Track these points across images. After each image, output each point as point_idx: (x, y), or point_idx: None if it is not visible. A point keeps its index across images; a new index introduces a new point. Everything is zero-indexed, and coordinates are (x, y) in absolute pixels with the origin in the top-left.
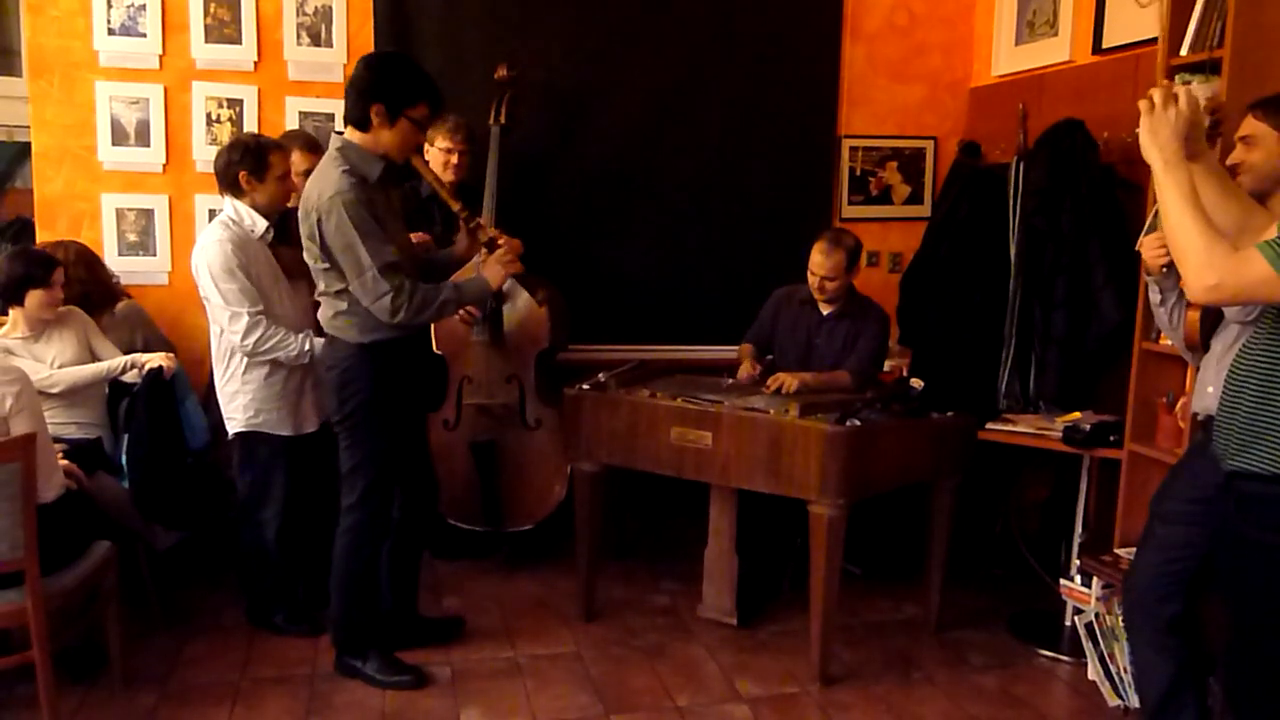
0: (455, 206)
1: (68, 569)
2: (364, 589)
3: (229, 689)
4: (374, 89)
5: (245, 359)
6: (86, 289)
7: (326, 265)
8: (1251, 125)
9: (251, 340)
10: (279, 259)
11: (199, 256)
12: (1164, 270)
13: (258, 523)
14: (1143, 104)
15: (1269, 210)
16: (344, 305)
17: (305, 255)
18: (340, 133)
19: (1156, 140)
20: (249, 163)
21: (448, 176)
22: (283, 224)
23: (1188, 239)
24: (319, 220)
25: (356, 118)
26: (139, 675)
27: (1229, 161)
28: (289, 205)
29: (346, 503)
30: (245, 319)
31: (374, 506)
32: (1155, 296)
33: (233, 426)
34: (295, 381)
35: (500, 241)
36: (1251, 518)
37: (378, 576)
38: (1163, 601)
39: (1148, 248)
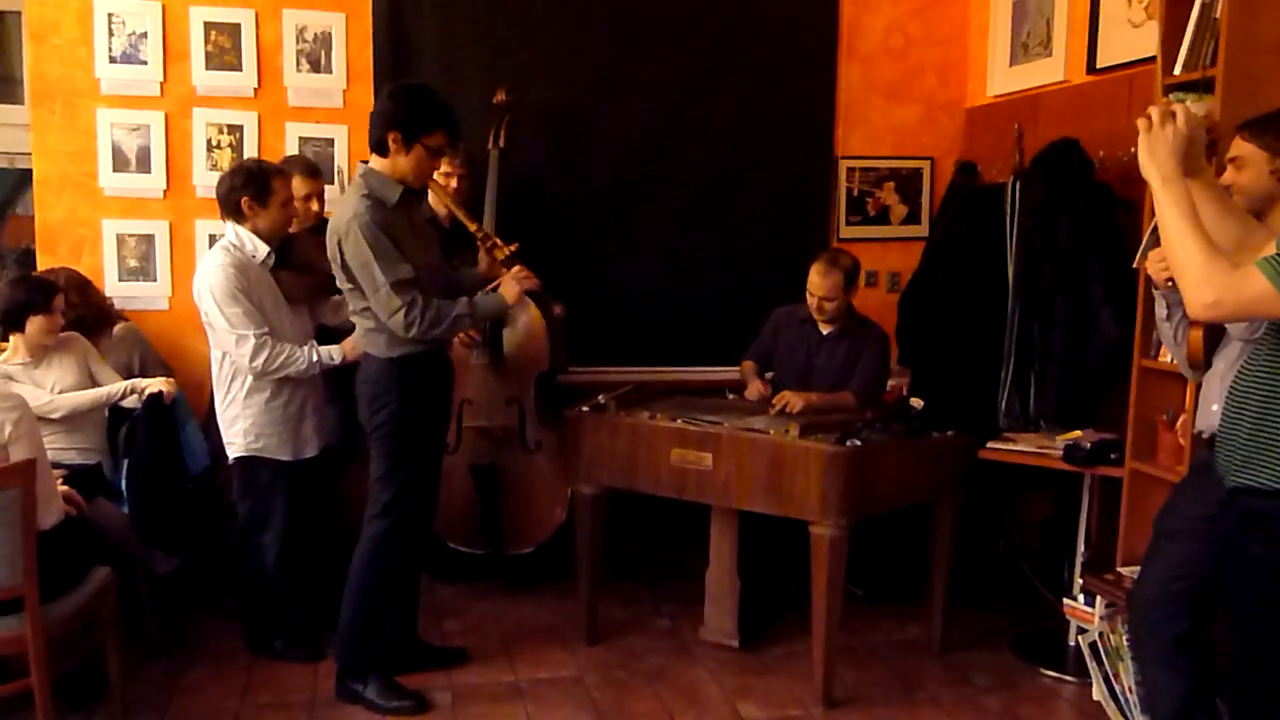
0: (472, 227)
1: (67, 595)
2: (377, 604)
3: (229, 715)
4: (391, 117)
5: (246, 383)
6: (80, 313)
7: (351, 285)
8: (1240, 147)
9: (260, 361)
10: (280, 284)
11: (201, 281)
12: (1170, 285)
13: (258, 547)
14: (1141, 122)
15: (1268, 228)
16: (371, 323)
17: (336, 278)
18: (365, 162)
19: (1155, 158)
20: (251, 188)
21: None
22: (284, 249)
23: (1186, 256)
24: (339, 242)
25: (376, 144)
26: (138, 702)
27: (1220, 183)
28: (290, 231)
29: (371, 512)
30: (252, 341)
31: (398, 515)
32: (1161, 311)
33: (233, 451)
34: (296, 406)
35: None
36: (1254, 533)
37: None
38: (1169, 620)
39: (1153, 262)
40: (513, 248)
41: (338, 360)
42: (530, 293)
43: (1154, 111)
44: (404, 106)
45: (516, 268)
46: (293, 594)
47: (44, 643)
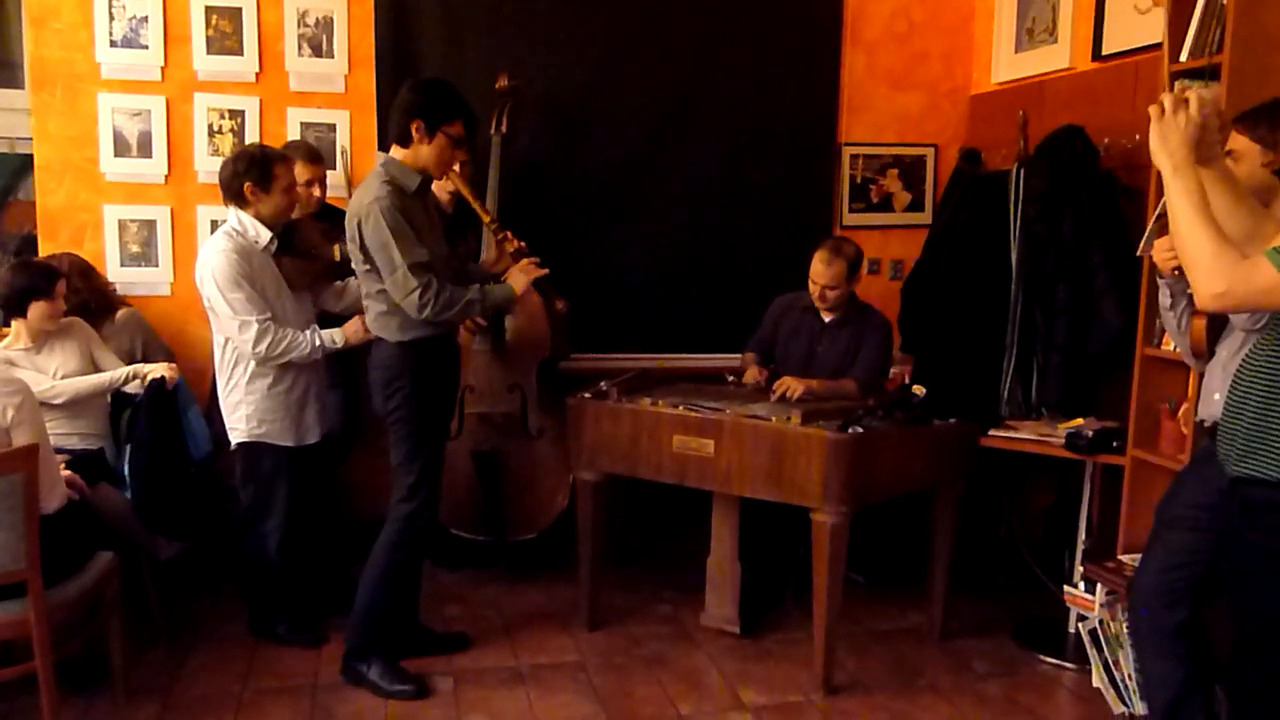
0: (486, 219)
1: (70, 580)
2: (398, 586)
3: (231, 700)
4: (415, 107)
5: (249, 369)
6: (84, 298)
7: (368, 267)
8: (1235, 140)
9: (264, 346)
10: (282, 270)
11: (204, 267)
12: (1175, 273)
13: (260, 533)
14: (1153, 110)
15: (1278, 218)
16: (384, 306)
17: (350, 260)
18: (384, 152)
19: (1166, 146)
20: (254, 174)
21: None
22: (286, 235)
23: (1196, 245)
24: (359, 224)
25: (399, 135)
26: (141, 686)
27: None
28: (293, 217)
29: (397, 496)
30: (255, 327)
31: (424, 497)
32: (1165, 300)
33: (235, 437)
34: (298, 392)
35: (525, 250)
36: (1256, 523)
37: (417, 576)
38: (1169, 608)
39: (1159, 250)
40: (522, 245)
41: (339, 344)
42: (537, 284)
43: (1166, 99)
44: (427, 96)
45: (524, 259)
46: (295, 580)
47: (47, 627)
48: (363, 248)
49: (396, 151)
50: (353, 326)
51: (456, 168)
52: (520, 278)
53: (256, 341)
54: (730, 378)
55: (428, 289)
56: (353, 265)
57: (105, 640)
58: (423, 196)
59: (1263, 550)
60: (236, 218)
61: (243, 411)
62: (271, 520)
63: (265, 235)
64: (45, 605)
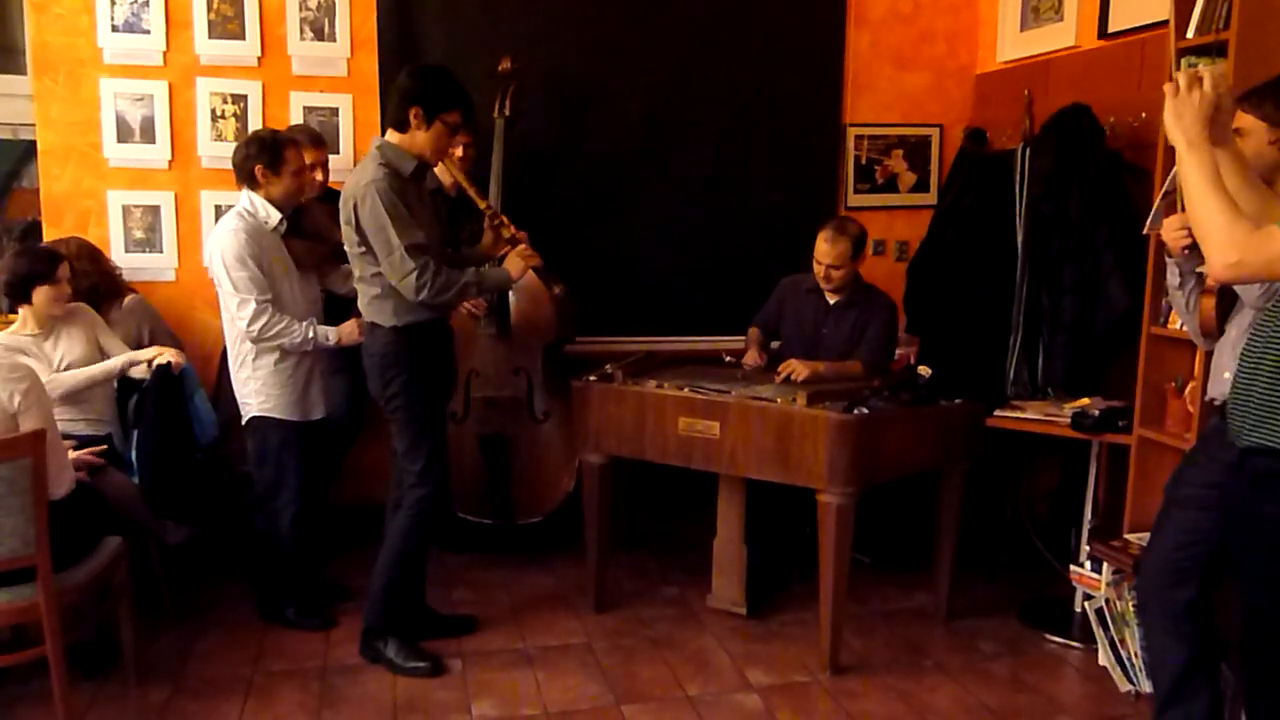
0: (481, 204)
1: (79, 564)
2: (413, 567)
3: (241, 683)
4: (414, 94)
5: (256, 346)
6: (94, 281)
7: (363, 249)
8: (1240, 118)
9: (257, 326)
10: (291, 252)
11: (214, 245)
12: (1185, 252)
13: (274, 510)
14: (1168, 87)
15: None
16: (378, 289)
17: (344, 242)
18: (380, 136)
19: (1180, 123)
20: (265, 157)
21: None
22: (296, 218)
23: (1210, 218)
24: (355, 206)
25: (396, 120)
26: (151, 670)
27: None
28: (302, 200)
29: (409, 482)
30: (253, 306)
31: (435, 480)
32: (1174, 279)
33: (247, 411)
34: (303, 369)
35: (521, 236)
36: (1265, 494)
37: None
38: (1177, 586)
39: (1169, 229)
40: (521, 234)
41: (332, 342)
42: (534, 269)
43: (1181, 77)
44: (427, 83)
45: (521, 244)
46: (306, 560)
47: (57, 611)
48: (358, 229)
49: (392, 136)
50: (348, 328)
51: (459, 150)
52: (518, 262)
53: (252, 320)
54: (728, 358)
55: (425, 270)
56: (346, 248)
57: (115, 625)
58: (418, 181)
59: (1273, 521)
60: (248, 199)
61: (253, 386)
62: (284, 496)
63: (275, 217)
64: (55, 590)
